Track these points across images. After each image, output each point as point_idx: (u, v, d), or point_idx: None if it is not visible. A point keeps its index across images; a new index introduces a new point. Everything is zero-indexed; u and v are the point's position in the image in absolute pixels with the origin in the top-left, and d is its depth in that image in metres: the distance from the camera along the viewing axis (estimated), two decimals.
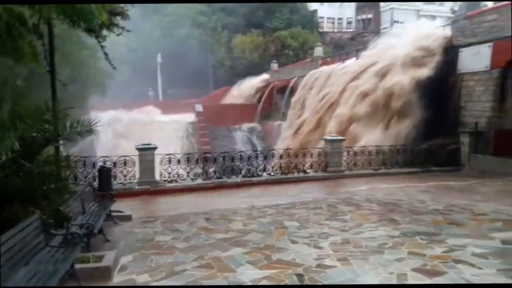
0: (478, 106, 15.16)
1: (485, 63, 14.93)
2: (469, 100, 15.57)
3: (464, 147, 14.91)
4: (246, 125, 33.81)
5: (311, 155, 13.71)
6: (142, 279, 4.93)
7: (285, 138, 25.14)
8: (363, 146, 14.53)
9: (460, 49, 16.05)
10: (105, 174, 8.73)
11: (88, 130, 6.60)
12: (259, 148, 27.55)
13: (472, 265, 5.03)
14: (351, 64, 22.48)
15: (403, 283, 4.64)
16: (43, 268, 4.22)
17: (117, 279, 4.95)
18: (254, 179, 12.59)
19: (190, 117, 33.94)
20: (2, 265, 3.71)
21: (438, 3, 64.38)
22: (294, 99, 27.68)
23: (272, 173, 13.21)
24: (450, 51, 16.60)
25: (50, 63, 7.21)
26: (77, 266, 4.76)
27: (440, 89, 16.30)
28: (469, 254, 5.40)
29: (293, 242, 6.19)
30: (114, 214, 7.67)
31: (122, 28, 9.33)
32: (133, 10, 9.28)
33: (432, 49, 17.09)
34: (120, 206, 8.21)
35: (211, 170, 12.63)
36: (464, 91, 15.81)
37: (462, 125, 15.53)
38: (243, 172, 12.80)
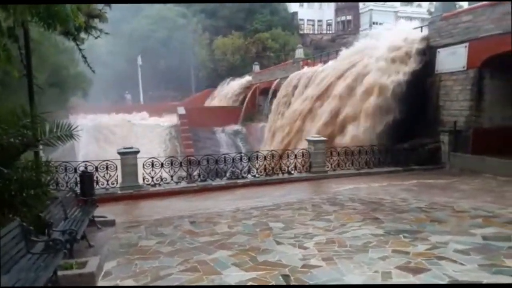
0: (456, 105, 15.49)
1: (461, 63, 15.28)
2: (447, 100, 15.90)
3: (444, 146, 15.19)
4: (229, 127, 33.80)
5: (295, 156, 13.77)
6: (127, 284, 4.86)
7: (267, 140, 25.19)
8: (346, 147, 14.66)
9: (438, 50, 16.39)
10: (87, 179, 8.57)
11: (68, 134, 6.47)
12: (243, 150, 27.58)
13: (455, 261, 5.12)
14: (331, 65, 22.67)
15: (388, 281, 4.69)
16: (25, 275, 4.12)
17: (101, 284, 4.87)
18: (239, 181, 12.58)
19: (173, 119, 33.71)
20: None
21: (415, 4, 65.75)
22: (276, 101, 27.79)
23: (257, 175, 13.22)
24: (428, 51, 16.92)
25: (27, 66, 7.07)
26: (60, 273, 4.66)
27: (419, 89, 16.60)
28: (452, 251, 5.50)
29: (278, 243, 6.20)
30: (97, 219, 7.55)
31: (101, 30, 9.20)
32: (111, 12, 9.17)
33: (410, 50, 17.39)
34: (103, 211, 8.09)
35: (195, 173, 12.56)
36: (442, 91, 16.14)
37: (442, 124, 15.83)
38: (227, 174, 12.77)
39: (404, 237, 6.29)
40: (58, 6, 5.39)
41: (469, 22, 14.98)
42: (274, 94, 29.47)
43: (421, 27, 18.92)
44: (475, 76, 14.87)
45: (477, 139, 14.49)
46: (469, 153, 14.39)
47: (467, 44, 15.04)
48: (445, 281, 4.61)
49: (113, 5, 9.31)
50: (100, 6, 9.10)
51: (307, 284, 4.68)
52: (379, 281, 4.70)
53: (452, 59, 15.67)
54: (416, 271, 4.89)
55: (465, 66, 15.15)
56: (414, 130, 16.08)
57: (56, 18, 5.50)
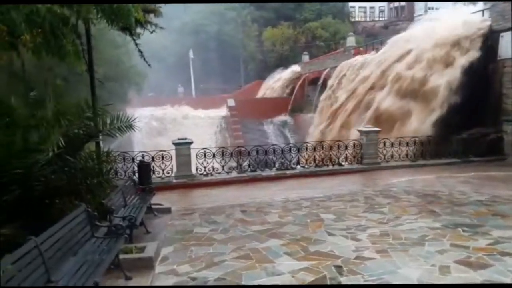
0: None
1: None
2: (511, 87, 14.85)
3: (507, 136, 14.26)
4: (278, 118, 33.77)
5: (346, 147, 13.51)
6: (183, 269, 5.05)
7: (316, 130, 24.86)
8: (400, 137, 14.15)
9: (501, 34, 15.30)
10: (144, 168, 8.97)
11: (128, 126, 6.79)
12: (291, 141, 27.49)
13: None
14: (383, 53, 21.89)
15: (446, 276, 4.53)
16: (90, 258, 4.41)
17: (158, 269, 5.10)
18: (288, 172, 12.58)
19: (223, 111, 34.26)
20: (52, 256, 3.90)
21: None
22: (326, 90, 27.33)
23: (306, 166, 13.15)
24: (490, 36, 15.87)
25: (89, 61, 7.48)
26: (121, 256, 4.94)
27: (480, 76, 15.64)
28: None
29: (330, 234, 6.16)
30: (154, 206, 7.88)
31: (156, 25, 9.53)
32: (165, 8, 9.46)
33: (470, 35, 16.39)
34: (159, 199, 8.43)
35: (245, 163, 12.72)
36: (506, 78, 15.07)
37: (505, 113, 14.83)
38: (276, 165, 12.80)
39: (463, 231, 6.03)
40: (119, 3, 5.65)
41: None
42: (324, 84, 28.99)
43: (483, 10, 17.74)
44: None
45: None
46: None
47: None
48: (509, 278, 4.37)
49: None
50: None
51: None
52: (436, 275, 4.55)
53: None
54: (478, 266, 4.69)
55: None
56: (473, 119, 15.19)
57: (118, 14, 5.78)
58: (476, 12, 18.09)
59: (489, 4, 17.10)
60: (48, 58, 6.38)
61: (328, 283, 4.49)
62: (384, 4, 60.84)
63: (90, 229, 4.98)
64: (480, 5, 19.01)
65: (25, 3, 5.01)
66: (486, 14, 16.96)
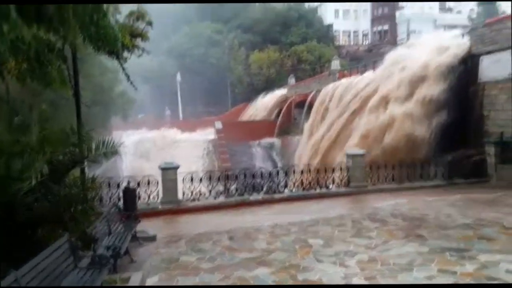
0: (502, 115, 14.80)
1: (507, 70, 14.60)
2: (492, 109, 15.23)
3: (490, 158, 14.49)
4: (265, 141, 33.85)
5: (333, 170, 13.55)
6: None
7: (303, 153, 24.98)
8: (386, 160, 14.26)
9: (481, 57, 15.78)
10: (129, 194, 8.83)
11: (113, 151, 6.71)
12: (279, 164, 27.52)
13: (508, 284, 4.85)
14: (366, 77, 22.36)
15: None
16: None
17: None
18: (276, 196, 12.51)
19: (210, 134, 34.26)
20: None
21: (455, 11, 63.95)
22: (312, 113, 27.61)
23: (294, 190, 13.12)
24: (470, 59, 16.34)
25: (75, 86, 7.44)
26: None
27: (460, 99, 16.02)
28: (504, 271, 5.23)
29: (319, 261, 6.11)
30: (139, 234, 7.73)
31: (143, 49, 9.57)
32: (152, 31, 9.54)
33: (450, 59, 16.85)
34: (145, 226, 8.28)
35: (232, 187, 12.63)
36: (486, 100, 15.48)
37: (487, 135, 15.16)
38: (264, 189, 12.75)
39: (451, 255, 6.04)
40: (107, 28, 5.64)
41: None
42: (310, 107, 29.32)
43: (462, 34, 18.32)
44: None
45: None
46: None
47: None
48: None
49: (153, 24, 9.69)
50: (142, 25, 9.48)
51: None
52: None
53: (497, 67, 15.02)
54: None
55: (511, 73, 14.48)
56: (456, 142, 15.45)
57: (105, 40, 5.78)
58: (456, 36, 18.64)
59: (468, 28, 17.72)
60: (33, 84, 6.33)
61: None
62: (368, 28, 62.49)
63: (73, 260, 4.86)
64: (459, 30, 19.70)
65: (28, 3, 4.88)
66: (465, 38, 17.50)
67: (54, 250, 4.50)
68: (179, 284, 5.44)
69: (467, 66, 16.38)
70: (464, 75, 16.27)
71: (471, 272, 5.28)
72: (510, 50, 14.37)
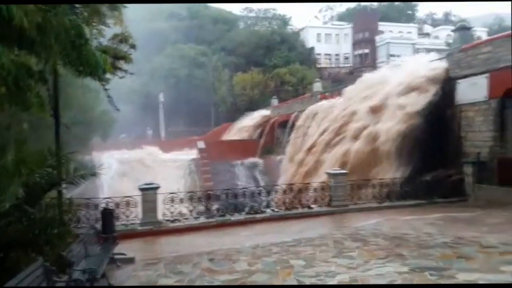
0: (479, 136, 15.21)
1: (483, 93, 15.08)
2: (469, 131, 15.64)
3: (468, 178, 14.81)
4: (248, 160, 33.81)
5: (315, 189, 13.62)
6: None
7: (285, 172, 25.06)
8: (366, 180, 14.44)
9: (457, 81, 16.28)
10: (107, 216, 8.67)
11: (92, 173, 6.63)
12: (261, 183, 27.47)
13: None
14: (348, 97, 22.77)
15: None
16: None
17: None
18: (257, 216, 12.45)
19: (193, 154, 34.11)
20: None
21: (433, 36, 66.14)
22: (294, 133, 27.86)
23: (276, 210, 13.09)
24: (447, 83, 16.84)
25: (54, 108, 7.36)
26: None
27: (439, 121, 16.42)
28: None
29: (300, 282, 6.06)
30: (117, 256, 7.56)
31: (125, 71, 9.57)
32: (135, 52, 9.58)
33: (428, 82, 17.35)
34: (123, 247, 8.10)
35: (214, 207, 12.53)
36: (464, 122, 15.91)
37: (464, 155, 15.52)
38: (246, 209, 12.68)
39: (431, 275, 6.07)
40: (89, 54, 5.61)
41: (489, 53, 14.91)
42: (292, 127, 29.58)
43: (440, 59, 18.93)
44: (497, 106, 14.64)
45: (502, 170, 14.06)
46: (495, 185, 13.97)
47: (488, 74, 14.90)
48: None
49: (136, 45, 9.74)
50: (125, 48, 9.52)
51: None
52: None
53: (473, 90, 15.50)
54: None
55: (486, 96, 14.96)
56: (436, 162, 15.75)
57: (87, 65, 5.75)
58: (434, 60, 19.25)
59: (445, 53, 18.32)
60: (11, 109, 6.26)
61: None
62: (349, 51, 63.99)
63: (47, 285, 4.70)
64: (435, 54, 20.37)
65: (24, 3, 4.80)
66: (443, 62, 18.07)
67: (27, 275, 4.37)
68: None
69: (444, 89, 16.86)
70: (442, 97, 16.73)
71: None
72: (485, 75, 14.93)
